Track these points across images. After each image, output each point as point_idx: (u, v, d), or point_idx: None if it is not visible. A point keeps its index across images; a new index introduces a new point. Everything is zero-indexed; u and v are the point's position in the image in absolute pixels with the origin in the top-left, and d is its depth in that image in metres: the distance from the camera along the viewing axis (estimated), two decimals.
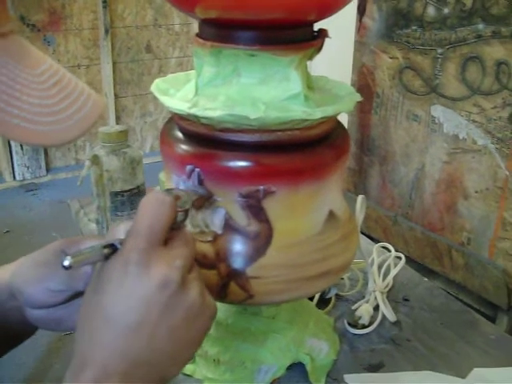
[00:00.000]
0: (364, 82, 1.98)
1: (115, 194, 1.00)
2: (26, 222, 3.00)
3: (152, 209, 0.49)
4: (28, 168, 3.40)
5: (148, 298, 0.47)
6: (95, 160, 0.98)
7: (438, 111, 1.71)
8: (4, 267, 0.64)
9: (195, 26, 3.64)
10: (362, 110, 2.00)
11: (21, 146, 3.31)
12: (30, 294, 0.59)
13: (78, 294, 0.58)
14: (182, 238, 0.50)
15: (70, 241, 0.59)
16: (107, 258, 0.48)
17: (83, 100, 0.45)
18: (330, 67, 1.52)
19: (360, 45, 1.98)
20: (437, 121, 1.72)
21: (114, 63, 3.51)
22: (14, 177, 3.40)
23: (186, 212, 0.54)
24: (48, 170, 3.52)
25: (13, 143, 3.30)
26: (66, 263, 0.45)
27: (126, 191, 0.99)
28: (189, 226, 0.60)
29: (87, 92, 0.46)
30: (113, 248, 0.48)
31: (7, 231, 2.89)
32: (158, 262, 0.47)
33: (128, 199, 1.00)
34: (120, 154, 0.98)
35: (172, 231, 0.50)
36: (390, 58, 1.85)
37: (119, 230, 0.51)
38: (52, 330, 0.63)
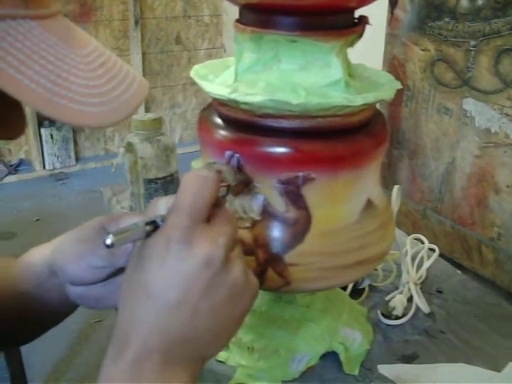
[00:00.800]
0: (395, 75, 1.94)
1: (149, 182, 1.00)
2: (56, 211, 3.05)
3: (194, 185, 0.48)
4: (58, 157, 3.44)
5: (190, 276, 0.46)
6: (129, 147, 0.99)
7: (470, 104, 1.68)
8: (45, 245, 0.65)
9: (225, 18, 3.64)
10: (393, 103, 1.98)
11: (51, 135, 3.35)
12: (70, 270, 0.59)
13: (119, 271, 0.58)
14: (224, 215, 0.50)
15: (110, 217, 0.59)
16: (149, 235, 0.48)
17: (129, 82, 0.44)
18: (360, 60, 1.51)
19: (391, 37, 1.96)
20: (468, 114, 1.70)
21: (144, 54, 3.53)
22: (44, 166, 3.44)
23: (228, 187, 0.53)
24: (77, 159, 3.55)
25: (43, 132, 3.33)
26: (108, 241, 0.45)
27: (159, 178, 1.00)
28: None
29: (132, 74, 0.46)
30: (154, 225, 0.48)
31: (37, 219, 2.93)
32: (200, 240, 0.46)
33: (162, 186, 1.00)
34: (154, 142, 0.99)
35: (214, 208, 0.49)
36: (422, 50, 1.82)
37: (160, 206, 0.50)
38: (92, 308, 0.64)
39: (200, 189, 0.48)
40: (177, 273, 0.46)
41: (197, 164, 1.14)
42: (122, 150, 1.00)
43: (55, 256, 0.62)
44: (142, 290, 0.47)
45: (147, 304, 0.47)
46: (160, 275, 0.47)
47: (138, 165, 0.99)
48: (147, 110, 3.56)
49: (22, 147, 3.45)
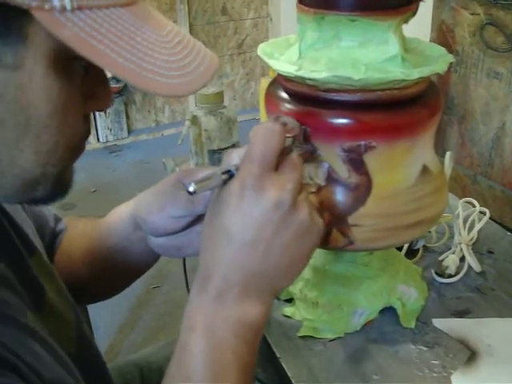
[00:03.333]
0: (443, 40, 1.96)
1: (213, 152, 1.07)
2: (111, 182, 3.16)
3: (264, 137, 0.54)
4: (111, 130, 3.54)
5: (263, 218, 0.53)
6: (194, 120, 1.05)
7: None
8: (127, 203, 0.74)
9: None
10: None
11: None
12: (152, 221, 0.68)
13: (197, 220, 0.67)
14: (290, 162, 0.56)
15: (185, 172, 0.67)
16: (225, 183, 0.55)
17: (202, 57, 0.51)
18: (408, 26, 1.53)
19: (439, 2, 1.96)
20: None
21: (191, 26, 3.58)
22: (98, 139, 3.54)
23: (294, 137, 0.59)
24: (129, 131, 3.65)
25: None
26: (191, 189, 0.52)
27: (222, 149, 1.07)
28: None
29: (204, 49, 0.53)
30: (229, 174, 0.55)
31: (94, 190, 3.05)
32: (271, 186, 0.53)
33: None
34: (217, 114, 1.05)
35: (281, 157, 0.56)
36: (471, 14, 1.82)
37: (233, 157, 0.57)
38: (173, 257, 0.73)
39: (268, 140, 0.55)
40: (251, 216, 0.53)
41: None
42: (187, 122, 1.07)
43: (138, 210, 0.70)
44: (221, 232, 0.55)
45: (226, 244, 0.54)
46: (236, 218, 0.54)
47: (203, 136, 1.06)
48: None
49: None
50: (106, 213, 0.79)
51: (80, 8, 0.43)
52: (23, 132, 0.46)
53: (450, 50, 1.93)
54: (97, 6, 0.44)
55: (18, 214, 0.67)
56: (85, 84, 0.51)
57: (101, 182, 3.12)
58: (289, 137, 0.58)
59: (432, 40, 2.00)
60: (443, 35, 1.97)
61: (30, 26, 0.42)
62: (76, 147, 0.53)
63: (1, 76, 0.43)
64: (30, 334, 0.53)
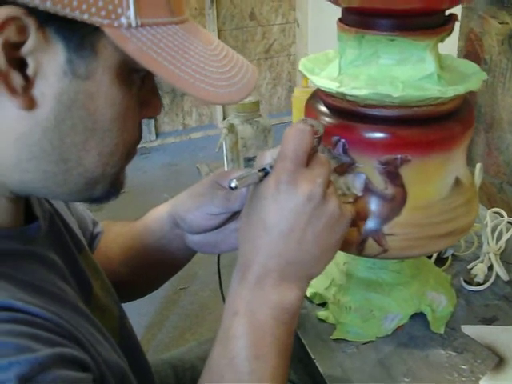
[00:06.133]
0: (471, 49, 1.98)
1: (248, 160, 1.11)
2: (140, 184, 3.21)
3: (295, 137, 0.59)
4: None
5: (297, 210, 0.58)
6: (231, 128, 1.09)
7: None
8: (164, 204, 0.79)
9: None
10: None
11: None
12: (190, 219, 0.73)
13: (231, 218, 0.72)
14: (319, 160, 0.60)
15: (221, 174, 0.73)
16: (261, 179, 0.59)
17: (245, 69, 0.56)
18: None
19: (468, 10, 1.97)
20: None
21: (219, 31, 3.63)
22: None
23: (319, 138, 0.63)
24: (157, 134, 3.69)
25: None
26: (233, 185, 0.57)
27: None
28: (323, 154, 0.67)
29: (246, 63, 0.58)
30: (264, 172, 0.59)
31: (124, 192, 3.09)
32: (303, 181, 0.58)
33: None
34: (253, 123, 1.09)
35: (309, 155, 0.60)
36: (500, 23, 1.83)
37: (266, 156, 0.62)
38: (209, 253, 0.78)
39: (300, 139, 0.59)
40: (286, 208, 0.58)
41: None
42: (224, 131, 1.11)
43: (176, 209, 0.76)
44: (259, 224, 0.60)
45: (264, 235, 0.59)
46: (273, 211, 0.58)
47: (239, 144, 1.09)
48: None
49: None
50: (135, 214, 0.83)
51: (143, 25, 0.48)
52: (90, 135, 0.51)
53: (478, 59, 1.94)
54: (156, 23, 0.49)
55: (67, 214, 0.72)
56: (140, 93, 0.56)
57: (130, 183, 3.12)
58: (316, 137, 0.62)
59: (460, 48, 2.02)
60: (471, 44, 1.98)
61: (101, 41, 0.48)
62: (131, 150, 0.57)
63: (73, 85, 0.48)
64: (86, 319, 0.58)
